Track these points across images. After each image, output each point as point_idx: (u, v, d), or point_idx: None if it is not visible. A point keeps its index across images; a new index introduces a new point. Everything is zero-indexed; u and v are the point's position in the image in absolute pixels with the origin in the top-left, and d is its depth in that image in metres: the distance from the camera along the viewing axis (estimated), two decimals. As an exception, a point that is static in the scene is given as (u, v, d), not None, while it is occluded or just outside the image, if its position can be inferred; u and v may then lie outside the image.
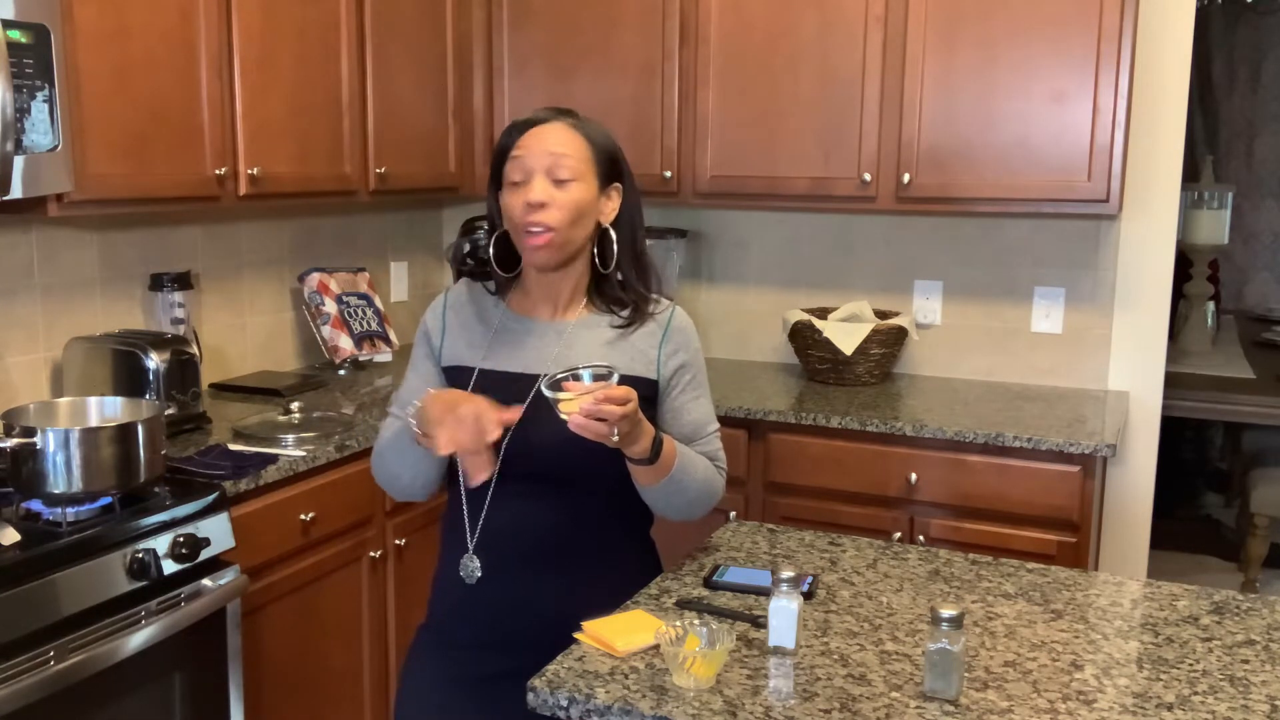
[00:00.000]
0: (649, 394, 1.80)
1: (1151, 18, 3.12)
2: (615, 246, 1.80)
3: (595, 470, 1.73)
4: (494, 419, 1.58)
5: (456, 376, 1.81)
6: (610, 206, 1.80)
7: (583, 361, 1.72)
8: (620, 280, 1.83)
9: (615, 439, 1.58)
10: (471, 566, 1.77)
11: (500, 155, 1.77)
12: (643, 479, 1.74)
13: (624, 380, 1.63)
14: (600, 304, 1.84)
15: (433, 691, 1.82)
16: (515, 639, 1.76)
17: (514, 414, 1.60)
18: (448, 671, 1.81)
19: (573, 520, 1.77)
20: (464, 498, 1.78)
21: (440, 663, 1.83)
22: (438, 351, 1.86)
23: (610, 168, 1.80)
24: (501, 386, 1.74)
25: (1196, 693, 1.48)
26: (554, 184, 1.72)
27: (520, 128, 1.77)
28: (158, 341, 2.66)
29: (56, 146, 2.21)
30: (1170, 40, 3.17)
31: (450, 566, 1.81)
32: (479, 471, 1.60)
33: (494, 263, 1.82)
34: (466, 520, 1.78)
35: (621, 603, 1.74)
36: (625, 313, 1.83)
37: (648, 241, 3.79)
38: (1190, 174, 4.53)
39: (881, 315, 3.44)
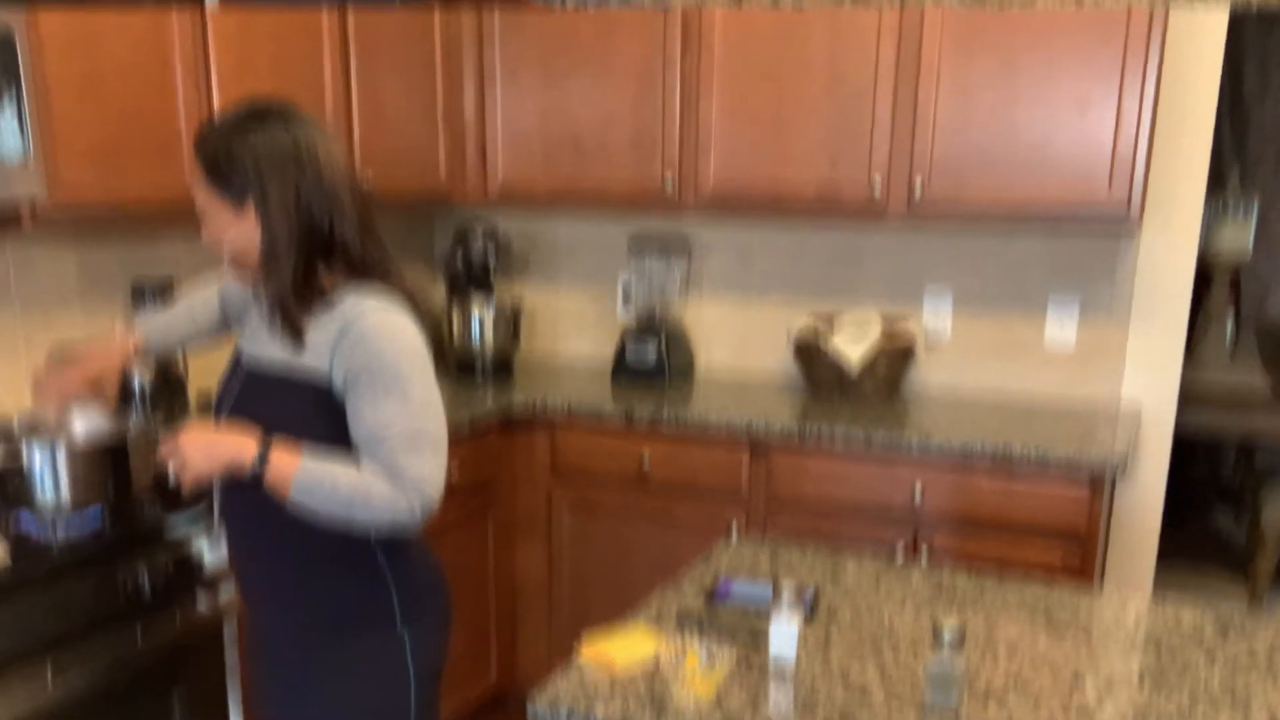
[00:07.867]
0: (322, 385, 1.71)
1: (1182, 27, 3.04)
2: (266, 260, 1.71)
3: None
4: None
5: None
6: (248, 224, 1.70)
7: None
8: (283, 279, 1.72)
9: (174, 478, 1.69)
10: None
11: None
12: (274, 494, 1.70)
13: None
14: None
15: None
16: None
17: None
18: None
19: (282, 516, 1.72)
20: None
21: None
22: (236, 309, 2.04)
23: (228, 184, 1.68)
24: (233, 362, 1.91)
25: (1198, 709, 1.46)
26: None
27: None
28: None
29: (26, 154, 2.18)
30: (1201, 49, 3.08)
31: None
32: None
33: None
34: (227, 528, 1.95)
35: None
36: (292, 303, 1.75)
37: (648, 244, 3.60)
38: (1215, 180, 4.45)
39: (889, 326, 3.41)
